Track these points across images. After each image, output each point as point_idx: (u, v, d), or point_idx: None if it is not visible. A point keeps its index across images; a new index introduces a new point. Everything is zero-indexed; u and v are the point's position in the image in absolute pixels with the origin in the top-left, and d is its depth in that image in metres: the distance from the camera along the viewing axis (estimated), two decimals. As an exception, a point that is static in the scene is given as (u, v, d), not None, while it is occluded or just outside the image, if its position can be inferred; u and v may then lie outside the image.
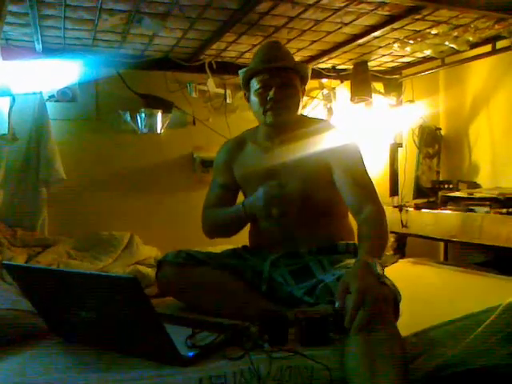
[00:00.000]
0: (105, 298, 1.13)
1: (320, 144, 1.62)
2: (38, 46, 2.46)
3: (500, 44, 2.56)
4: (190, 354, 1.16)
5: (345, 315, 1.15)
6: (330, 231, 1.64)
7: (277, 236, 1.65)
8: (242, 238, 1.83)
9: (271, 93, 1.58)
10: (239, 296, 1.53)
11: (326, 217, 1.64)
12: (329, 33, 2.39)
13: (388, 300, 1.19)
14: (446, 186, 3.06)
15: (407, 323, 1.36)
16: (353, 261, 1.44)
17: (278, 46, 1.70)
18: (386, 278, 1.31)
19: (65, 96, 2.67)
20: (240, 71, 1.69)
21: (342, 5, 2.00)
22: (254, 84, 1.64)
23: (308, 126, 1.68)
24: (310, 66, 3.00)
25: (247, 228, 1.81)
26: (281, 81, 1.60)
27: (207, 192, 1.84)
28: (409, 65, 3.13)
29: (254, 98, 1.65)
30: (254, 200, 1.57)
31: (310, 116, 1.90)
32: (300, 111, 1.69)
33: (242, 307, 1.47)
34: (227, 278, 1.57)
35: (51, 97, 2.67)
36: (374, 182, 1.61)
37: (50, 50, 2.57)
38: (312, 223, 1.62)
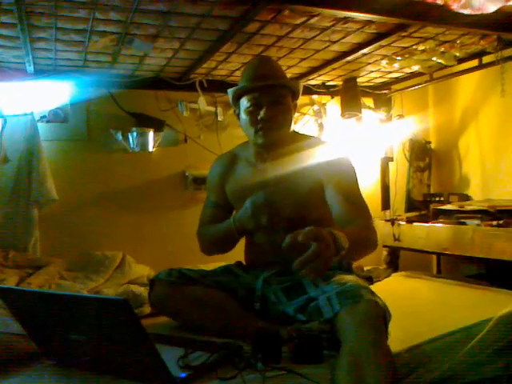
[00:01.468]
0: (96, 320, 1.12)
1: (312, 162, 1.59)
2: (30, 68, 2.48)
3: (486, 59, 2.61)
4: (183, 374, 1.15)
5: (335, 333, 1.15)
6: None
7: (270, 254, 1.64)
8: (236, 255, 1.83)
9: (262, 112, 1.54)
10: (232, 315, 1.52)
11: None
12: (317, 51, 2.43)
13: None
14: (437, 198, 3.09)
15: (400, 338, 1.37)
16: (345, 275, 1.44)
17: (268, 62, 1.65)
18: (377, 296, 1.30)
19: (56, 116, 2.68)
20: (229, 90, 1.66)
21: (329, 24, 2.04)
22: (244, 102, 1.59)
23: (300, 143, 1.65)
24: (301, 83, 3.03)
25: (243, 245, 1.80)
26: (271, 98, 1.55)
27: (202, 209, 1.83)
28: (397, 80, 3.17)
29: (244, 117, 1.61)
30: (242, 212, 1.55)
31: (301, 132, 1.87)
32: (292, 127, 1.66)
33: (235, 326, 1.46)
34: (220, 296, 1.57)
35: (43, 117, 2.68)
36: (365, 200, 1.56)
37: (41, 71, 2.58)
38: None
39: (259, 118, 1.55)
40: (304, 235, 1.09)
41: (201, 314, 1.53)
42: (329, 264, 1.11)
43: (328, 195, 1.54)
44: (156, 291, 1.62)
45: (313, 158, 1.60)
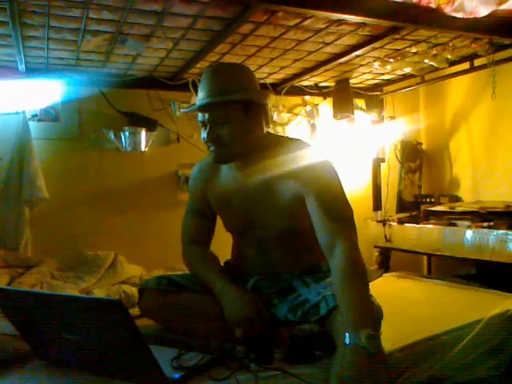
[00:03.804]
0: (89, 320, 1.12)
1: (290, 168, 1.46)
2: (21, 66, 2.46)
3: (477, 62, 2.63)
4: (176, 375, 1.15)
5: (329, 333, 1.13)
6: (312, 255, 1.55)
7: (258, 263, 1.60)
8: (227, 255, 1.81)
9: (205, 133, 1.46)
10: (222, 321, 1.51)
11: (308, 242, 1.53)
12: (311, 52, 2.43)
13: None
14: (428, 199, 3.11)
15: (392, 338, 1.37)
16: None
17: (216, 74, 1.46)
18: (371, 295, 1.30)
19: (48, 115, 2.67)
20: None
21: (323, 26, 2.04)
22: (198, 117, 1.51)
23: (278, 147, 1.51)
24: (294, 83, 3.04)
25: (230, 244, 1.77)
26: (213, 118, 1.44)
27: (184, 216, 1.73)
28: (389, 82, 3.19)
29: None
30: (233, 303, 1.45)
31: (286, 136, 1.69)
32: (256, 135, 1.49)
33: (225, 331, 1.45)
34: (208, 302, 1.54)
35: (34, 116, 2.67)
36: (352, 208, 1.43)
37: (33, 70, 2.57)
38: (294, 251, 1.56)
39: (204, 138, 1.48)
40: None
41: (190, 321, 1.51)
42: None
43: (309, 208, 1.42)
44: (145, 300, 1.60)
45: (291, 163, 1.47)
